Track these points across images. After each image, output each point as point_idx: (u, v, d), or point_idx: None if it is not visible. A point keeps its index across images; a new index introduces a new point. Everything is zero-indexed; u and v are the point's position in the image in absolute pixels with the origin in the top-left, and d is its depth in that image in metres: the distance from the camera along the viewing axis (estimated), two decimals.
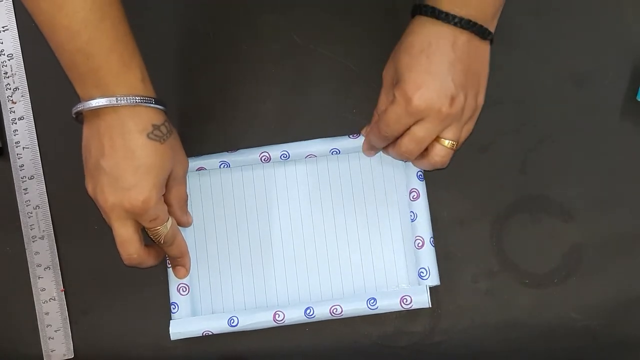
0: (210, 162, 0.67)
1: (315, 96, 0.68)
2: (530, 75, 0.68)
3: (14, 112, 0.70)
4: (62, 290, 0.68)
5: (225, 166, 0.67)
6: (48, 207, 0.69)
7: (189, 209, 0.67)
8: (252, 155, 0.67)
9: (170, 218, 0.61)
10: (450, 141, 0.59)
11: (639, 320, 0.65)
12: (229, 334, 0.65)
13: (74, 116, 0.58)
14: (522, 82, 0.68)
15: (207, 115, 0.68)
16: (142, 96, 0.56)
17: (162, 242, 0.61)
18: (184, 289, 0.66)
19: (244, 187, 0.68)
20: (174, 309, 0.65)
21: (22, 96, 0.70)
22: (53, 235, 0.68)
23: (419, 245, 0.65)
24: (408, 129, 0.59)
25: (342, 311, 0.64)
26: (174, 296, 0.66)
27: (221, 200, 0.68)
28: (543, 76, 0.68)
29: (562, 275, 0.66)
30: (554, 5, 0.69)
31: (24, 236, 0.68)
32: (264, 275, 0.66)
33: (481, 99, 0.60)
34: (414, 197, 0.65)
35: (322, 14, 0.70)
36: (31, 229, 0.68)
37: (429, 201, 0.66)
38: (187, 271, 0.66)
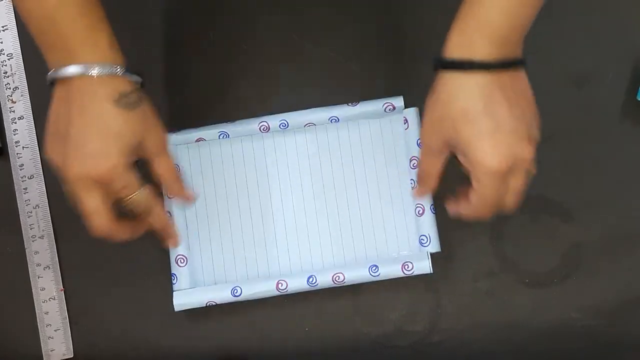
0: (210, 132, 0.67)
1: (315, 96, 0.68)
2: (530, 75, 0.68)
3: (13, 111, 0.70)
4: (61, 290, 0.68)
5: (225, 136, 0.67)
6: (48, 207, 0.69)
7: (189, 181, 0.66)
8: (251, 125, 0.67)
9: (145, 187, 0.59)
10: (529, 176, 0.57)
11: (639, 320, 0.65)
12: (231, 330, 0.65)
13: (48, 84, 0.57)
14: None
15: (206, 116, 0.68)
16: (111, 64, 0.55)
17: (138, 211, 0.59)
18: (182, 261, 0.66)
19: (243, 157, 0.68)
20: (173, 280, 0.66)
21: (22, 96, 0.70)
22: (53, 234, 0.68)
23: (420, 212, 0.65)
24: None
25: (344, 279, 0.64)
26: (174, 267, 0.66)
27: (221, 171, 0.68)
28: (543, 76, 0.68)
29: (562, 275, 0.66)
30: (554, 6, 0.69)
31: (24, 236, 0.68)
32: (265, 245, 0.67)
33: (537, 124, 0.57)
34: (414, 164, 0.65)
35: (322, 14, 0.70)
36: (31, 229, 0.68)
37: None
38: (177, 238, 0.64)
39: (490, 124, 0.53)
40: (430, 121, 0.57)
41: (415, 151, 0.66)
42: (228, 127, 0.67)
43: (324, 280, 0.64)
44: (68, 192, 0.57)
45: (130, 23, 0.70)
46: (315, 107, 0.67)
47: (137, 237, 0.61)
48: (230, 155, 0.68)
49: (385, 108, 0.67)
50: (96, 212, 0.57)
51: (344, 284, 0.64)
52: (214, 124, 0.68)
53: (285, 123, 0.67)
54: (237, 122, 0.68)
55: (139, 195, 0.58)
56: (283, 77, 0.69)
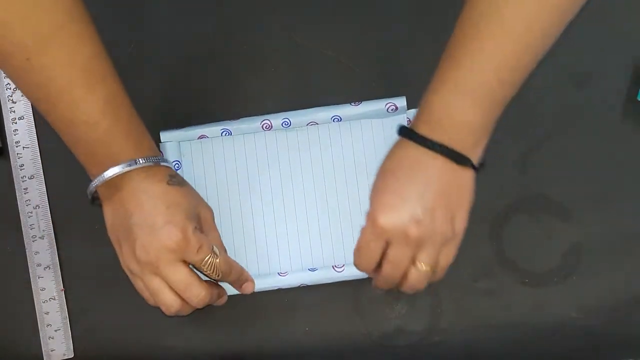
0: (212, 130, 0.68)
1: (315, 96, 0.68)
2: (530, 75, 0.68)
3: (14, 111, 0.70)
4: (62, 290, 0.68)
5: (227, 134, 0.68)
6: (48, 207, 0.69)
7: (192, 178, 0.67)
8: (253, 123, 0.67)
9: (214, 246, 0.59)
10: (425, 265, 0.58)
11: (639, 320, 0.65)
12: (231, 330, 0.65)
13: (90, 197, 0.59)
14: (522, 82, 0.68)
15: (207, 116, 0.68)
16: (155, 157, 0.58)
17: (219, 274, 0.59)
18: None
19: (245, 155, 0.68)
20: None
21: (22, 96, 0.70)
22: (53, 234, 0.68)
23: None
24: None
25: (344, 268, 0.65)
26: None
27: (223, 168, 0.68)
28: (543, 76, 0.68)
29: (561, 274, 0.66)
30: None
31: (24, 236, 0.68)
32: (266, 242, 0.67)
33: (460, 225, 0.58)
34: None
35: (322, 14, 0.70)
36: (31, 229, 0.68)
37: None
38: (253, 282, 0.64)
39: (396, 186, 0.56)
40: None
41: None
42: (231, 125, 0.67)
43: (324, 272, 0.65)
44: (148, 287, 0.58)
45: (133, 21, 0.70)
46: (318, 106, 0.67)
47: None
48: (233, 153, 0.68)
49: (388, 108, 0.67)
50: (191, 283, 0.58)
51: (344, 275, 0.65)
52: (217, 121, 0.68)
53: (288, 121, 0.67)
54: (240, 119, 0.68)
55: (215, 255, 0.59)
56: (285, 76, 0.69)
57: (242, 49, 0.70)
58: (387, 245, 0.57)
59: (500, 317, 0.66)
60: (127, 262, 0.58)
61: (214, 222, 0.63)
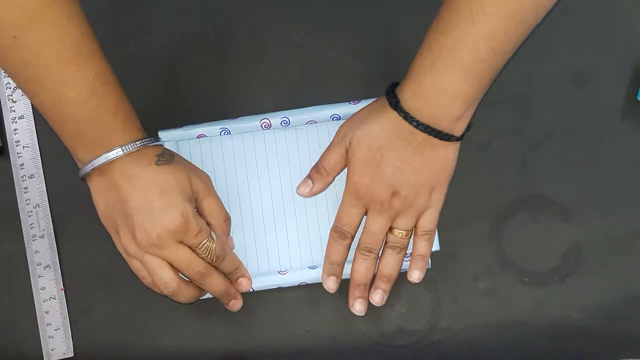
0: (211, 129, 0.67)
1: (315, 96, 0.68)
2: (531, 75, 0.68)
3: (14, 111, 0.70)
4: (62, 289, 0.68)
5: (226, 133, 0.68)
6: (48, 206, 0.69)
7: None
8: (252, 122, 0.67)
9: (211, 231, 0.61)
10: (401, 231, 0.61)
11: (639, 319, 0.65)
12: (231, 330, 0.65)
13: (81, 178, 0.60)
14: (522, 82, 0.68)
15: (205, 115, 0.68)
16: (142, 139, 0.59)
17: (214, 258, 0.61)
18: None
19: (244, 154, 0.68)
20: None
21: (22, 95, 0.70)
22: (53, 234, 0.68)
23: None
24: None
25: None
26: None
27: (222, 167, 0.68)
28: (543, 76, 0.68)
29: (561, 274, 0.66)
30: (555, 6, 0.69)
31: (24, 235, 0.68)
32: (266, 241, 0.67)
33: (438, 196, 0.61)
34: None
35: (323, 14, 0.70)
36: (31, 228, 0.68)
37: None
38: (249, 280, 0.65)
39: (379, 159, 0.59)
40: (351, 120, 0.63)
41: None
42: (229, 124, 0.67)
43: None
44: (147, 267, 0.60)
45: (132, 21, 0.70)
46: (317, 105, 0.67)
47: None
48: (232, 152, 0.68)
49: None
50: (193, 259, 0.60)
51: (344, 274, 0.65)
52: (216, 120, 0.68)
53: (287, 120, 0.67)
54: (239, 118, 0.68)
55: (213, 239, 0.60)
56: (284, 75, 0.69)
57: (241, 48, 0.70)
58: (366, 212, 0.61)
59: (500, 317, 0.66)
60: (126, 245, 0.59)
61: (211, 187, 0.64)
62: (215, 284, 0.62)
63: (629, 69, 0.68)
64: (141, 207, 0.58)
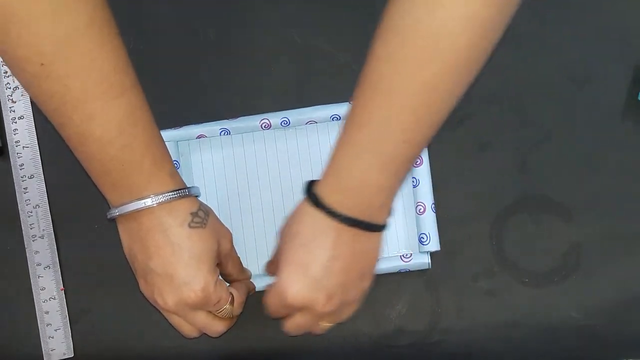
0: (211, 129, 0.67)
1: (315, 96, 0.68)
2: (531, 75, 0.68)
3: (13, 111, 0.70)
4: (62, 289, 0.68)
5: (226, 133, 0.68)
6: (48, 206, 0.69)
7: (190, 177, 0.67)
8: (252, 122, 0.67)
9: (231, 293, 0.59)
10: (328, 324, 0.60)
11: (639, 320, 0.65)
12: (231, 330, 0.65)
13: (108, 219, 0.56)
14: (522, 82, 0.68)
15: (205, 115, 0.68)
16: (175, 190, 0.55)
17: (232, 316, 0.60)
18: None
19: (244, 154, 0.68)
20: None
21: (22, 95, 0.70)
22: (53, 234, 0.68)
23: (421, 211, 0.65)
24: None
25: None
26: None
27: (222, 167, 0.68)
28: (543, 76, 0.68)
29: (561, 274, 0.66)
30: (554, 5, 0.69)
31: (24, 235, 0.68)
32: (266, 241, 0.67)
33: (366, 283, 0.58)
34: (417, 163, 0.66)
35: (322, 12, 0.70)
36: (31, 228, 0.68)
37: None
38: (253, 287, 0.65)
39: (306, 260, 0.55)
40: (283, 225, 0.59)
41: None
42: (229, 124, 0.67)
43: None
44: (168, 319, 0.59)
45: (131, 20, 0.70)
46: (317, 105, 0.67)
47: None
48: (231, 152, 0.68)
49: None
50: (210, 324, 0.59)
51: None
52: (215, 120, 0.68)
53: (287, 120, 0.67)
54: (239, 118, 0.68)
55: (231, 305, 0.59)
56: (284, 75, 0.69)
57: (241, 47, 0.70)
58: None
59: (500, 317, 0.66)
60: (145, 291, 0.58)
61: (232, 246, 0.61)
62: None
63: (629, 69, 0.68)
64: (162, 272, 0.55)
